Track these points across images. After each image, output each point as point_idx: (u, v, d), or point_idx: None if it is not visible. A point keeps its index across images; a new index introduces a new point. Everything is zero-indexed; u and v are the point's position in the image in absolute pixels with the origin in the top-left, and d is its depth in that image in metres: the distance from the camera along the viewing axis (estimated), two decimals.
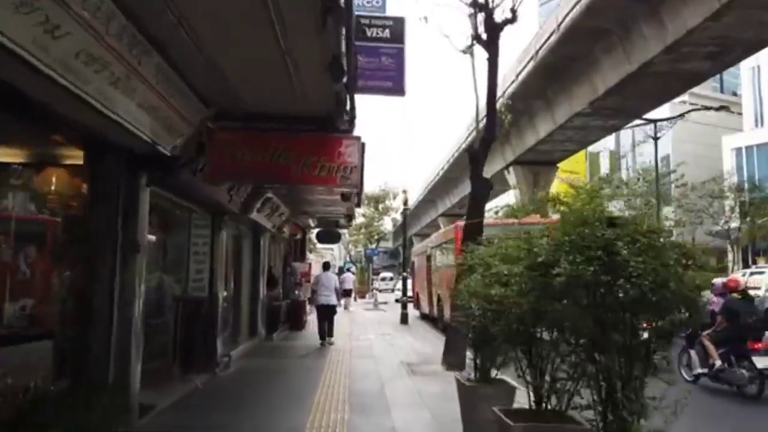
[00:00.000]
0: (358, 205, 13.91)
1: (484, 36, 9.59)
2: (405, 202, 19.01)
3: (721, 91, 70.44)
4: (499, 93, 26.70)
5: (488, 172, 35.60)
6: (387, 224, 46.04)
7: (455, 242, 13.70)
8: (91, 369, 5.12)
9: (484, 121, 10.35)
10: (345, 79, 5.21)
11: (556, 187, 31.40)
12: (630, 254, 3.25)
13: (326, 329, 12.19)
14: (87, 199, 5.43)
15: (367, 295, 33.11)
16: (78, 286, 5.29)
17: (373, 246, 42.58)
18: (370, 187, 42.83)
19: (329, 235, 21.18)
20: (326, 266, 14.20)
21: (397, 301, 35.49)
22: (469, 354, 7.96)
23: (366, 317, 21.64)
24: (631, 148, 43.08)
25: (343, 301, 28.53)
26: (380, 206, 41.02)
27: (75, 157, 5.28)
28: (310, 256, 28.37)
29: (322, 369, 9.23)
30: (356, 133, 7.21)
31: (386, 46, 10.54)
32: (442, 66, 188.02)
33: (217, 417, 6.18)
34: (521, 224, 14.62)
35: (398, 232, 65.38)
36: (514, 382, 5.19)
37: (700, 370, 8.13)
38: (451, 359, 8.97)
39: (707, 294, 7.92)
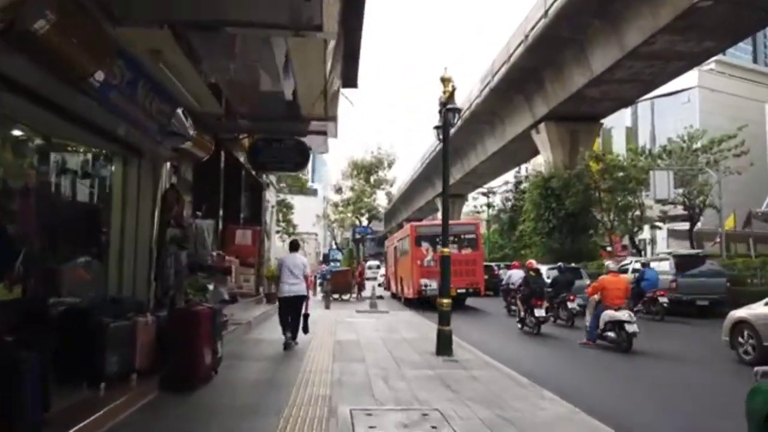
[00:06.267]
0: None
1: None
2: (450, 95, 9.11)
3: (755, 61, 66.13)
4: (542, 9, 20.05)
5: (510, 132, 28.94)
6: (381, 199, 38.40)
7: (410, 238, 18.79)
8: None
9: None
10: None
11: None
12: None
13: (293, 327, 9.63)
14: None
15: (355, 289, 25.20)
16: None
17: (365, 224, 34.45)
18: (359, 153, 35.52)
19: (279, 151, 11.47)
20: (294, 246, 10.45)
21: (378, 286, 26.44)
22: None
23: (362, 333, 12.13)
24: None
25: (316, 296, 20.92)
26: (372, 178, 33.61)
27: None
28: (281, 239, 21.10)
29: None
30: None
31: None
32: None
33: None
34: (453, 225, 15.80)
35: (391, 212, 58.36)
36: None
37: (518, 319, 13.98)
38: None
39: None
